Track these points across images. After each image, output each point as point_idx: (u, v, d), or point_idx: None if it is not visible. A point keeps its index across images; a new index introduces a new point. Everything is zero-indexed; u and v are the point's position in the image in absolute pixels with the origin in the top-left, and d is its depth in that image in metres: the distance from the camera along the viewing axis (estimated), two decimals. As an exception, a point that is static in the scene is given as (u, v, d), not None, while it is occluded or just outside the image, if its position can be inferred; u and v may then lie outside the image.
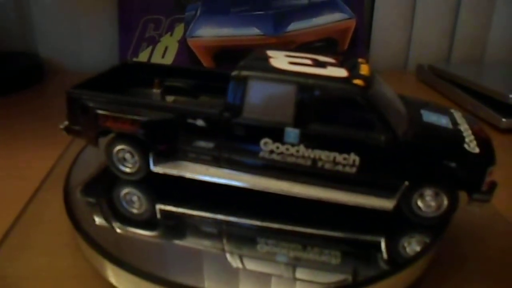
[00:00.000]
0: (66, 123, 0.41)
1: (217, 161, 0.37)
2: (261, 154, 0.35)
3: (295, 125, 0.34)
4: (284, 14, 0.73)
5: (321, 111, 0.34)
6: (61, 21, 0.78)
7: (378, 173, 0.34)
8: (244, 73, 0.35)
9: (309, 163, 0.35)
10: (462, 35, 0.83)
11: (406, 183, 0.33)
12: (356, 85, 0.33)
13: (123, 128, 0.38)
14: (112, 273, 0.31)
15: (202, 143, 0.37)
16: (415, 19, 0.82)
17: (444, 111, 0.39)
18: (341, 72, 0.35)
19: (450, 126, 0.36)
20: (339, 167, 0.34)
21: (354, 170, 0.34)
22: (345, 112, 0.34)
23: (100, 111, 0.38)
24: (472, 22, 0.82)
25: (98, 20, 0.78)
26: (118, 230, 0.34)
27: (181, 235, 0.34)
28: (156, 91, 0.44)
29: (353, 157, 0.34)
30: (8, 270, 0.34)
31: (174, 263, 0.31)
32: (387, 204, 0.34)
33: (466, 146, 0.33)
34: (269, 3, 0.74)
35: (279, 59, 0.37)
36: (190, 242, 0.33)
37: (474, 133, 0.36)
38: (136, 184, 0.39)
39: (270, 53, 0.38)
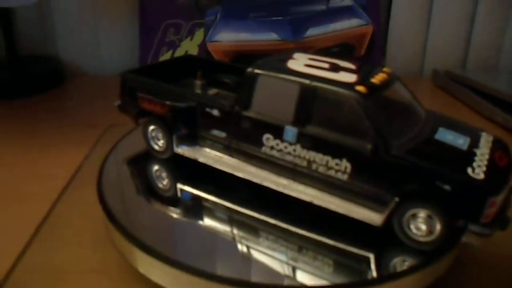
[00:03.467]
0: (119, 102, 0.47)
1: (228, 150, 0.40)
2: (263, 149, 0.37)
3: (294, 124, 0.35)
4: (302, 19, 0.73)
5: (320, 113, 0.34)
6: (82, 25, 0.79)
7: (369, 184, 0.33)
8: (256, 70, 0.37)
9: (304, 163, 0.35)
10: (477, 41, 0.82)
11: (396, 199, 0.32)
12: (356, 91, 0.33)
13: (155, 110, 0.42)
14: (142, 262, 0.32)
15: (216, 132, 0.40)
16: (431, 25, 0.81)
17: (468, 132, 0.36)
18: (350, 78, 0.35)
19: (464, 147, 0.33)
20: (332, 172, 0.34)
21: (345, 177, 0.34)
22: (342, 117, 0.34)
23: (140, 94, 0.43)
24: (488, 28, 0.80)
25: (118, 24, 0.79)
26: (144, 213, 0.36)
27: (198, 217, 0.37)
28: (198, 82, 0.48)
29: (345, 164, 0.34)
30: (39, 264, 0.34)
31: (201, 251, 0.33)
32: (376, 218, 0.33)
33: (469, 170, 0.31)
34: (287, 9, 0.74)
35: (298, 61, 0.38)
36: (205, 226, 0.35)
37: (491, 159, 0.33)
38: (165, 163, 0.44)
39: (295, 55, 0.40)
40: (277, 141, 0.36)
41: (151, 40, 0.76)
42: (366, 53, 0.75)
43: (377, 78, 0.35)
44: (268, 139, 0.37)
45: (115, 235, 0.34)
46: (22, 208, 0.40)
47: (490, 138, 0.36)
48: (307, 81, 0.35)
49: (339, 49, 0.73)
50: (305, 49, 0.71)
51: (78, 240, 0.36)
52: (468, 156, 0.32)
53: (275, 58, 0.39)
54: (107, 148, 0.45)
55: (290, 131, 0.35)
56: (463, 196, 0.30)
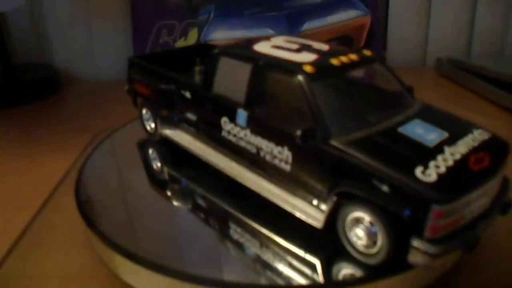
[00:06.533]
0: (127, 86, 0.49)
1: (198, 134, 0.38)
2: (222, 133, 0.35)
3: (245, 107, 0.32)
4: (297, 14, 0.71)
5: (268, 96, 0.31)
6: (75, 32, 0.78)
7: (309, 178, 0.29)
8: (218, 50, 0.35)
9: (254, 150, 0.32)
10: (480, 29, 0.79)
11: (334, 198, 0.27)
12: (301, 70, 0.29)
13: (144, 92, 0.43)
14: (122, 268, 0.30)
15: (189, 115, 0.39)
16: (431, 14, 0.79)
17: (453, 127, 0.29)
18: (307, 58, 0.31)
19: (430, 144, 0.27)
20: (276, 161, 0.31)
21: (288, 167, 0.30)
22: (288, 100, 0.30)
23: (135, 76, 0.44)
24: (490, 15, 0.78)
25: (111, 29, 0.78)
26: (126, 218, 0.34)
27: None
28: (197, 68, 0.47)
29: (286, 153, 0.30)
30: (21, 270, 0.33)
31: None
32: (317, 218, 0.29)
33: (418, 169, 0.25)
34: (282, 4, 0.71)
35: (269, 43, 0.35)
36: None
37: (461, 160, 0.26)
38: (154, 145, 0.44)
39: (274, 38, 0.37)
40: (232, 125, 0.34)
41: (145, 42, 0.75)
42: (366, 45, 0.73)
43: (339, 60, 0.31)
44: (225, 123, 0.34)
45: (94, 240, 0.32)
46: (6, 215, 0.40)
47: (483, 137, 0.29)
48: (258, 62, 0.32)
49: (338, 42, 0.71)
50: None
51: (60, 246, 0.35)
52: (428, 154, 0.26)
53: (246, 41, 0.37)
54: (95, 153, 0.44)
55: (242, 115, 0.33)
56: (404, 201, 0.25)
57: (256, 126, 0.32)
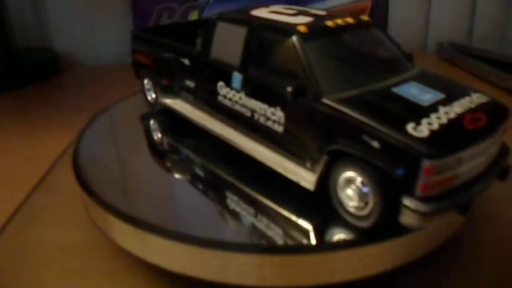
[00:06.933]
0: (131, 59, 0.49)
1: (196, 101, 0.38)
2: (219, 97, 0.35)
3: (240, 70, 0.32)
4: None
5: (262, 57, 0.31)
6: (75, 16, 0.78)
7: (301, 138, 0.28)
8: (215, 15, 0.35)
9: (248, 114, 0.32)
10: (482, 13, 0.80)
11: (325, 157, 0.27)
12: (295, 30, 0.29)
13: (145, 62, 0.43)
14: (116, 228, 0.30)
15: (188, 82, 0.39)
16: None
17: (450, 90, 0.28)
18: (302, 20, 0.30)
19: (425, 103, 0.26)
20: (270, 123, 0.30)
21: (281, 129, 0.30)
22: (281, 59, 0.30)
23: (137, 48, 0.44)
24: None
25: (111, 13, 0.78)
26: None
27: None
28: (199, 41, 0.47)
29: (279, 113, 0.29)
30: (20, 241, 0.33)
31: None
32: (309, 178, 0.28)
33: (410, 126, 0.24)
34: None
35: (267, 9, 0.35)
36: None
37: (456, 118, 0.25)
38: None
39: (273, 6, 0.36)
40: (227, 89, 0.34)
41: (145, 25, 0.74)
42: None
43: (334, 22, 0.30)
44: (221, 87, 0.34)
45: (89, 204, 0.32)
46: (4, 190, 0.40)
47: (481, 100, 0.28)
48: (253, 24, 0.31)
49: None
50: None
51: (59, 218, 0.35)
52: (421, 112, 0.25)
53: (245, 7, 0.37)
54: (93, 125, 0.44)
55: (237, 78, 0.32)
56: (394, 157, 0.24)
57: (250, 88, 0.31)
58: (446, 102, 0.27)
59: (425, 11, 0.81)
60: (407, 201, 0.24)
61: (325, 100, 0.27)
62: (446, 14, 0.80)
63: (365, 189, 0.26)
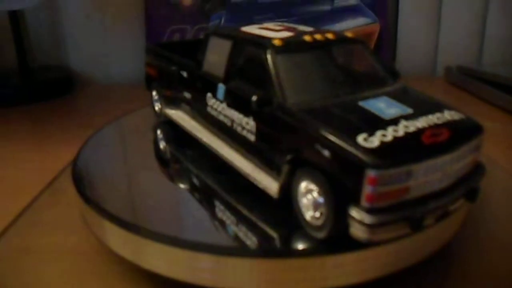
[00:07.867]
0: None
1: (193, 112, 0.40)
2: (207, 108, 0.36)
3: (223, 81, 0.34)
4: (307, 20, 0.70)
5: (242, 69, 0.32)
6: (91, 35, 0.81)
7: (268, 147, 0.29)
8: (209, 30, 0.37)
9: (229, 123, 0.33)
10: (491, 37, 0.79)
11: (286, 165, 0.27)
12: (270, 44, 0.30)
13: (152, 74, 0.46)
14: (112, 236, 0.30)
15: (185, 94, 0.41)
16: (441, 22, 0.79)
17: (422, 107, 0.28)
18: (283, 35, 0.32)
19: (387, 117, 0.26)
20: (245, 132, 0.31)
21: (253, 138, 0.31)
22: (257, 71, 0.31)
23: (148, 61, 0.47)
24: (501, 23, 0.78)
25: (126, 32, 0.81)
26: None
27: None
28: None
29: (251, 122, 0.30)
30: (18, 245, 0.34)
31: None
32: (273, 187, 0.29)
33: (361, 136, 0.24)
34: (291, 10, 0.72)
35: (256, 26, 0.36)
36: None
37: (414, 132, 0.25)
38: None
39: (269, 23, 0.38)
40: (214, 99, 0.35)
41: None
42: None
43: (313, 37, 0.31)
44: (209, 98, 0.36)
45: (85, 210, 0.32)
46: (10, 196, 0.42)
47: (452, 117, 0.27)
48: (237, 37, 0.33)
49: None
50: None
51: (57, 224, 0.37)
52: (379, 124, 0.25)
53: (241, 24, 0.38)
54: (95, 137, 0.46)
55: (221, 88, 0.34)
56: (342, 166, 0.24)
57: (231, 98, 0.33)
58: (411, 117, 0.26)
59: (434, 35, 0.80)
60: (353, 212, 0.24)
61: (287, 110, 0.27)
62: (455, 38, 0.79)
63: (320, 199, 0.26)
